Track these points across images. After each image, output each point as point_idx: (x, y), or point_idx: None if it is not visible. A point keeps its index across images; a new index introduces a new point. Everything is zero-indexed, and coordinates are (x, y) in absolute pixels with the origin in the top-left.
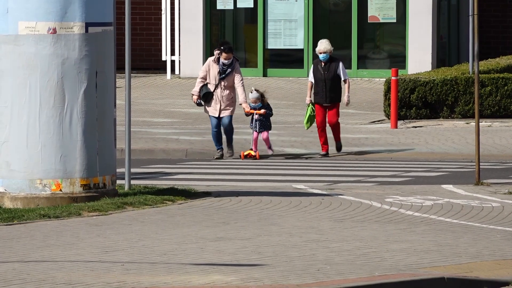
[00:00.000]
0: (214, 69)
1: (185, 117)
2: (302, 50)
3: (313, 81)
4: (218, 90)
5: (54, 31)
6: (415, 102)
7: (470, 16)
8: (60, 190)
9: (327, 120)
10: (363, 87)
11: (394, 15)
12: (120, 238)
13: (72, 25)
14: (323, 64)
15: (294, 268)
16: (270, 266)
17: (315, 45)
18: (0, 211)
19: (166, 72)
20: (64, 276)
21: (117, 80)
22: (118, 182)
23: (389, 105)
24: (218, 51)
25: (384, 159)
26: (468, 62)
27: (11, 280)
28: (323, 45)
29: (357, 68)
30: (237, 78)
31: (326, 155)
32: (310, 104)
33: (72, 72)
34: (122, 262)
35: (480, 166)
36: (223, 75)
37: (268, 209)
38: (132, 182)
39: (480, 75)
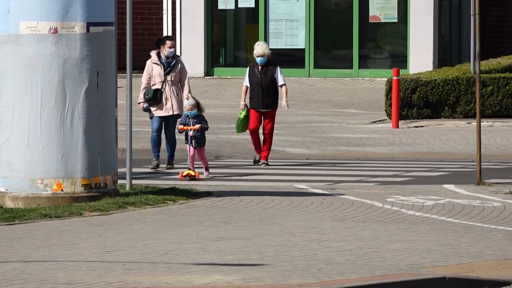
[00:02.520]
0: (157, 68)
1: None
2: (303, 50)
3: (248, 85)
4: (166, 87)
5: (56, 31)
6: (416, 102)
7: (471, 16)
8: (61, 190)
9: (262, 126)
10: (365, 87)
11: (396, 15)
12: (121, 238)
13: (74, 25)
14: (260, 67)
15: (295, 268)
16: (271, 265)
17: (316, 45)
18: (1, 211)
19: None
20: (65, 276)
21: (118, 80)
22: (119, 182)
23: (390, 105)
24: (156, 50)
25: (386, 159)
26: (470, 62)
27: (12, 280)
28: (261, 48)
29: (359, 68)
30: (184, 74)
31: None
32: (245, 108)
33: (74, 72)
34: (123, 262)
35: (482, 166)
36: (169, 69)
37: (270, 208)
38: (133, 182)
39: (481, 75)
